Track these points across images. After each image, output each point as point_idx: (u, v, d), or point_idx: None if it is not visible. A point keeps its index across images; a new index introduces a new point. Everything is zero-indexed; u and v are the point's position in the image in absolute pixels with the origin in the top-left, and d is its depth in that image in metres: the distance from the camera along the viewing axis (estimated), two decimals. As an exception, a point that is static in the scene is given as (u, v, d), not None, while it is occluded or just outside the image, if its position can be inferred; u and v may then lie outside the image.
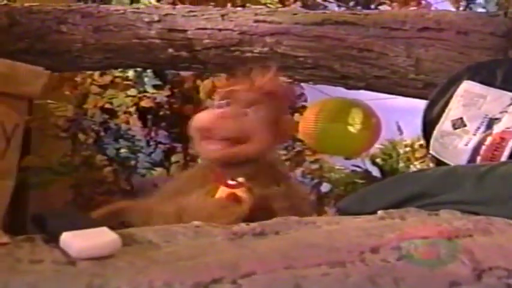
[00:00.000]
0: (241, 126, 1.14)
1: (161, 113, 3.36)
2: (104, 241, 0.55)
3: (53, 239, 0.56)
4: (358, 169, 3.14)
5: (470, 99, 1.11)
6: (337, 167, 3.17)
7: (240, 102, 1.20)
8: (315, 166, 3.18)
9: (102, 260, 0.54)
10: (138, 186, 3.16)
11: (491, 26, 1.67)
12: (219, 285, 0.53)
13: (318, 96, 2.62)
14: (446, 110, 1.14)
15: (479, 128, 1.08)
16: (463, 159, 1.08)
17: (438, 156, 1.15)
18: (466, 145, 1.08)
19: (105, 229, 0.57)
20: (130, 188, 3.15)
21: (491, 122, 1.07)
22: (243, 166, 1.14)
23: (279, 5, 3.48)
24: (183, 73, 3.36)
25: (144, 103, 3.24)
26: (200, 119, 1.19)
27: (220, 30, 1.81)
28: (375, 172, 3.14)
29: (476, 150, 1.07)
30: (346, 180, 3.04)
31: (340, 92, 2.00)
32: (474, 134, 1.08)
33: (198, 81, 3.34)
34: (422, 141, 3.22)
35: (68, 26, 1.90)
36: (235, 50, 1.79)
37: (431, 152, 1.17)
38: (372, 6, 3.56)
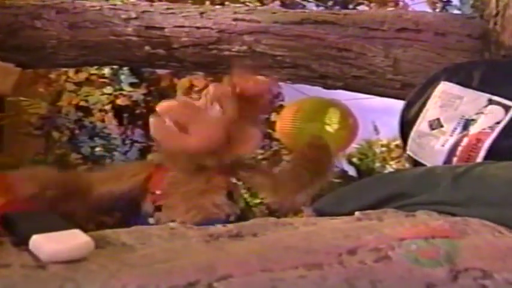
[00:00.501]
0: (190, 116, 1.14)
1: (137, 111, 3.33)
2: (75, 244, 0.53)
3: (22, 242, 0.54)
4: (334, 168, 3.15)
5: (447, 100, 1.11)
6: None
7: (207, 98, 1.20)
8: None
9: (73, 263, 0.53)
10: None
11: (468, 28, 1.69)
12: (194, 289, 0.52)
13: (295, 95, 2.62)
14: (424, 111, 1.15)
15: (455, 128, 1.08)
16: (439, 160, 1.09)
17: (415, 157, 1.15)
18: (443, 146, 1.09)
19: (77, 231, 0.56)
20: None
21: (467, 123, 1.07)
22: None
23: (258, 4, 3.48)
24: (159, 71, 3.33)
25: (120, 101, 3.21)
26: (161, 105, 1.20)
27: (198, 28, 1.79)
28: (351, 171, 3.16)
29: (452, 151, 1.07)
30: (323, 180, 3.04)
31: (317, 91, 2.01)
32: (451, 135, 1.09)
33: (175, 80, 3.32)
34: (398, 141, 3.27)
35: (42, 22, 1.86)
36: (213, 48, 1.78)
37: (408, 152, 1.17)
38: (350, 6, 3.59)
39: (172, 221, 1.03)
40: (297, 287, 0.57)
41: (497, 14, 1.60)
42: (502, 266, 0.71)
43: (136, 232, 0.64)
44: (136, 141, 3.34)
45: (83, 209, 1.07)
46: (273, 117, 3.49)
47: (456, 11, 3.53)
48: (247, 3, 3.45)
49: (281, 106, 3.42)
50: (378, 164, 3.10)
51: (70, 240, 0.53)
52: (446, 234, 0.78)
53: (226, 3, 3.58)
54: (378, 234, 0.73)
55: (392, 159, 3.12)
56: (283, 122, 2.27)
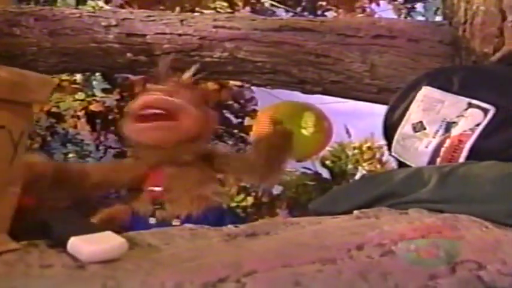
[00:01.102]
0: (170, 101, 1.20)
1: (110, 117, 3.32)
2: (112, 245, 0.56)
3: (59, 244, 0.57)
4: (308, 171, 3.21)
5: (429, 104, 1.17)
6: (288, 170, 3.23)
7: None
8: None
9: (110, 263, 0.56)
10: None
11: (438, 34, 1.77)
12: (225, 284, 0.56)
13: (269, 99, 2.67)
14: (407, 114, 1.20)
15: (438, 131, 1.14)
16: (423, 161, 1.14)
17: (400, 158, 1.21)
18: (426, 147, 1.14)
19: (110, 233, 0.59)
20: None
21: (449, 126, 1.13)
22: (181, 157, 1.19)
23: (229, 10, 3.52)
24: (132, 77, 3.33)
25: (93, 107, 3.19)
26: (132, 104, 1.24)
27: (179, 35, 1.82)
28: (325, 174, 3.23)
29: (436, 152, 1.13)
30: (297, 182, 3.11)
31: (290, 95, 2.06)
32: (433, 137, 1.14)
33: (148, 85, 3.32)
34: (369, 144, 3.36)
35: (21, 29, 1.85)
36: (195, 54, 1.81)
37: (393, 153, 1.23)
38: (319, 12, 3.67)
39: (177, 216, 1.07)
40: (316, 281, 0.61)
41: (465, 22, 1.69)
42: (492, 258, 0.77)
43: (159, 233, 0.67)
44: (110, 147, 3.33)
45: (75, 198, 1.10)
46: (247, 121, 3.55)
47: (420, 17, 3.65)
48: (218, 10, 3.49)
49: (254, 110, 3.47)
50: (350, 166, 3.17)
51: (106, 242, 0.56)
52: (443, 232, 0.84)
53: (197, 8, 3.62)
54: (380, 231, 0.78)
55: (365, 161, 3.20)
56: (260, 126, 2.32)
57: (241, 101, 3.45)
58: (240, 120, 3.31)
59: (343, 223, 0.81)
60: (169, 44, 1.82)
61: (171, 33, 1.82)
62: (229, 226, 0.74)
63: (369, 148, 3.22)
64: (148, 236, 0.65)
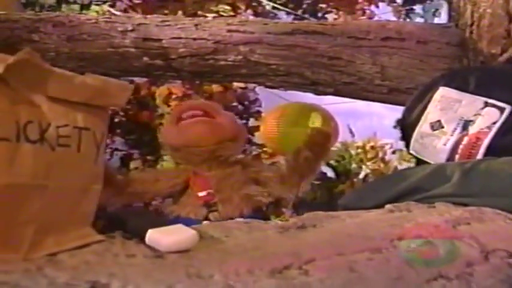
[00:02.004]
0: (207, 103, 1.26)
1: (116, 119, 3.36)
2: (186, 236, 0.62)
3: (136, 236, 0.62)
4: (313, 171, 3.26)
5: (446, 103, 1.23)
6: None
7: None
8: (271, 169, 3.28)
9: (184, 253, 0.61)
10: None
11: (446, 36, 1.83)
12: (290, 271, 0.61)
13: (273, 101, 2.72)
14: (425, 114, 1.26)
15: (455, 129, 1.20)
16: (442, 158, 1.20)
17: (418, 156, 1.27)
18: (445, 145, 1.20)
19: (181, 226, 0.64)
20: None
21: (466, 124, 1.19)
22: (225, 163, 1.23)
23: (231, 13, 3.57)
24: (138, 80, 3.38)
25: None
26: (173, 111, 1.30)
27: (194, 39, 1.87)
28: (330, 173, 3.28)
29: (454, 150, 1.18)
30: (302, 182, 3.15)
31: (290, 96, 2.11)
32: (451, 135, 1.20)
33: (154, 88, 3.37)
34: (373, 143, 3.42)
35: (39, 35, 1.90)
36: (209, 58, 1.85)
37: (411, 151, 1.28)
38: (319, 14, 3.73)
39: (231, 218, 1.10)
40: (368, 268, 0.66)
41: (472, 24, 1.74)
42: (519, 247, 0.83)
43: (219, 227, 0.72)
44: (117, 149, 3.37)
45: (115, 202, 1.14)
46: (251, 122, 3.60)
47: (419, 19, 3.72)
48: (221, 13, 3.54)
49: (258, 112, 3.52)
50: (354, 165, 3.23)
51: (181, 233, 0.62)
52: (468, 221, 0.90)
53: (200, 12, 3.67)
54: (415, 223, 0.84)
55: (368, 160, 3.26)
56: (268, 128, 2.36)
57: (246, 103, 3.50)
58: (244, 121, 3.36)
59: (379, 216, 0.87)
60: (184, 48, 1.86)
61: (186, 38, 1.87)
62: (276, 220, 0.79)
63: (372, 147, 3.28)
64: (209, 229, 0.70)
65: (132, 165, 3.35)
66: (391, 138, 3.20)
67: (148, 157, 3.30)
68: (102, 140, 0.61)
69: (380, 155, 3.27)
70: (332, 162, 3.25)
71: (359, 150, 3.28)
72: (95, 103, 0.59)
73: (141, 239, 0.61)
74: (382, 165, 3.18)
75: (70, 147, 0.56)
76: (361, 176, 3.21)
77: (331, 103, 2.28)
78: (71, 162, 0.57)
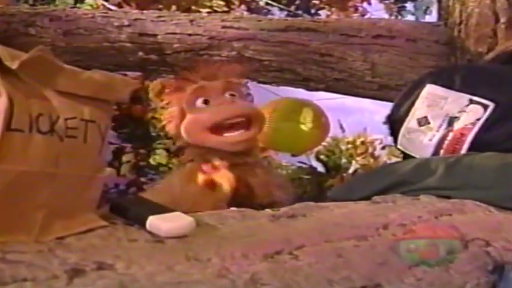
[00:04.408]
0: (250, 108, 1.24)
1: (110, 113, 3.38)
2: (184, 222, 0.66)
3: (137, 222, 0.66)
4: (303, 165, 3.32)
5: (433, 100, 1.27)
6: (284, 164, 3.33)
7: (217, 93, 1.29)
8: (262, 163, 3.32)
9: (183, 238, 0.65)
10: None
11: (435, 34, 1.88)
12: (281, 256, 0.66)
13: (265, 96, 2.76)
14: (412, 110, 1.30)
15: (441, 125, 1.24)
16: (428, 152, 1.24)
17: (405, 150, 1.31)
18: (431, 140, 1.24)
19: (179, 213, 0.68)
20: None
21: (451, 120, 1.23)
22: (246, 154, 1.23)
23: (225, 8, 3.60)
24: (130, 74, 3.40)
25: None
26: (219, 113, 1.21)
27: (189, 35, 1.91)
28: (320, 168, 3.33)
29: (439, 145, 1.22)
30: (293, 176, 3.21)
31: (282, 92, 2.15)
32: (437, 131, 1.24)
33: (147, 82, 3.39)
34: (363, 139, 3.47)
35: (36, 29, 1.93)
36: (204, 54, 1.90)
37: (399, 146, 1.32)
38: (312, 11, 3.77)
39: None
40: (355, 254, 0.71)
41: (460, 23, 1.79)
42: (497, 236, 0.88)
43: (213, 215, 0.76)
44: (110, 143, 3.39)
45: None
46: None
47: (410, 16, 3.78)
48: (215, 8, 3.58)
49: (251, 107, 3.55)
50: (344, 160, 3.28)
51: (179, 220, 0.66)
52: (450, 213, 0.94)
53: (194, 7, 3.69)
54: (400, 213, 0.88)
55: (358, 155, 3.32)
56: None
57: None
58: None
59: (365, 207, 0.92)
60: (179, 44, 1.90)
61: (181, 33, 1.91)
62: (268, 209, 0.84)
63: (362, 143, 3.34)
64: (205, 217, 0.75)
65: (125, 158, 3.38)
66: (381, 134, 3.25)
67: (141, 150, 3.33)
68: (106, 132, 0.65)
69: (370, 150, 3.32)
70: (322, 157, 3.30)
71: (349, 146, 3.33)
72: (101, 97, 0.63)
73: (142, 225, 0.65)
74: (371, 160, 3.23)
75: (77, 138, 0.60)
76: (351, 170, 3.27)
77: (323, 99, 2.33)
78: (78, 152, 0.61)
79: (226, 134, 1.21)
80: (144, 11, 2.02)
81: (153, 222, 0.65)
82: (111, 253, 0.57)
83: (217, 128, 1.19)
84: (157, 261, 0.57)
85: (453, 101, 1.24)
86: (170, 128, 1.35)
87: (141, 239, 0.63)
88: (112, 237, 0.62)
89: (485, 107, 1.19)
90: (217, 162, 1.17)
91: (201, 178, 1.15)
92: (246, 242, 0.67)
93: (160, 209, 0.68)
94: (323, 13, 3.71)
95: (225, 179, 1.13)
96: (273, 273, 0.60)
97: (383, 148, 3.38)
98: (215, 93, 1.30)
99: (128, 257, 0.58)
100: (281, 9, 3.79)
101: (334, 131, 3.55)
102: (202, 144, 1.24)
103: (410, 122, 1.30)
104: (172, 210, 0.69)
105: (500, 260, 0.83)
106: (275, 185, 1.21)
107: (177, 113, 1.31)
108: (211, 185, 1.13)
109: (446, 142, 1.22)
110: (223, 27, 1.91)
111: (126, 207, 0.68)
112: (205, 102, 1.28)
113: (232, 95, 1.27)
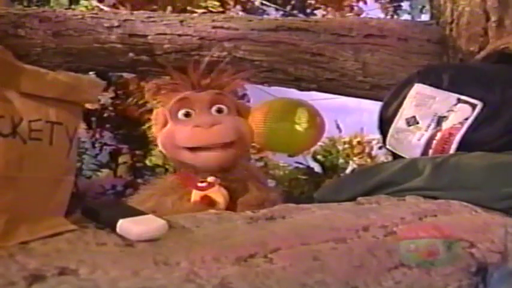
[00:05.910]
0: (227, 134, 1.23)
1: (105, 114, 3.38)
2: (156, 226, 0.65)
3: (108, 226, 0.65)
4: (300, 166, 3.30)
5: (421, 100, 1.26)
6: (281, 164, 3.32)
7: (202, 107, 1.28)
8: (259, 164, 3.32)
9: (154, 241, 0.64)
10: (84, 188, 3.17)
11: (427, 33, 1.86)
12: (255, 259, 0.64)
13: (261, 96, 2.75)
14: (401, 110, 1.29)
15: (430, 125, 1.23)
16: (416, 152, 1.23)
17: (394, 150, 1.30)
18: (419, 140, 1.23)
19: (151, 216, 0.67)
20: (75, 190, 3.16)
21: (440, 120, 1.22)
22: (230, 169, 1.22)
23: (220, 9, 3.59)
24: (126, 75, 3.39)
25: (89, 105, 3.25)
26: (192, 138, 1.22)
27: (180, 35, 1.89)
28: (317, 168, 3.32)
29: (428, 144, 1.21)
30: (290, 177, 3.20)
31: (278, 92, 2.14)
32: (426, 130, 1.23)
33: (142, 83, 3.39)
34: (359, 139, 3.46)
35: (25, 30, 1.91)
36: (195, 54, 1.88)
37: (388, 146, 1.31)
38: (308, 11, 3.75)
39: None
40: (331, 257, 0.69)
41: (452, 22, 1.78)
42: (482, 237, 0.87)
43: (189, 217, 0.75)
44: (106, 144, 3.39)
45: None
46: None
47: (406, 15, 3.76)
48: (210, 9, 3.56)
49: (247, 107, 3.54)
50: (341, 160, 3.27)
51: (151, 223, 0.65)
52: (435, 214, 0.93)
53: (189, 8, 3.68)
54: (382, 215, 0.87)
55: (355, 155, 3.30)
56: (255, 123, 2.40)
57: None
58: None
59: (348, 208, 0.90)
60: (169, 44, 1.89)
61: (171, 34, 1.90)
62: (248, 211, 0.82)
63: (359, 143, 3.32)
64: (180, 220, 0.73)
65: (121, 159, 3.37)
66: (378, 134, 3.23)
67: (137, 152, 3.33)
68: (74, 134, 0.63)
69: (367, 150, 3.31)
70: (319, 157, 3.28)
71: (346, 146, 3.32)
72: (67, 99, 0.62)
73: (113, 228, 0.64)
74: (368, 160, 3.22)
75: (42, 140, 0.58)
76: (348, 170, 3.25)
77: (320, 98, 2.31)
78: (43, 155, 0.59)
79: (200, 153, 1.21)
80: (134, 12, 2.00)
81: (124, 225, 0.63)
82: (76, 258, 0.55)
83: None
84: (123, 265, 0.56)
85: (441, 100, 1.23)
86: (155, 130, 1.34)
87: (110, 242, 0.62)
88: (80, 241, 0.61)
89: (474, 106, 1.18)
90: (210, 179, 1.17)
91: (197, 195, 1.15)
92: (219, 245, 0.65)
93: (132, 212, 0.67)
94: (319, 13, 3.70)
95: (219, 195, 1.14)
96: (244, 277, 0.59)
97: (380, 148, 3.37)
98: (199, 107, 1.29)
99: (93, 261, 0.56)
100: (277, 10, 3.78)
101: (331, 131, 3.55)
102: (177, 159, 1.23)
103: (399, 122, 1.29)
104: (144, 213, 0.67)
105: (484, 261, 0.82)
106: (269, 200, 1.21)
107: (161, 117, 1.31)
108: (209, 201, 1.14)
109: (434, 142, 1.21)
110: (214, 27, 1.90)
111: (97, 211, 0.66)
112: (187, 114, 1.27)
113: (219, 109, 1.26)
